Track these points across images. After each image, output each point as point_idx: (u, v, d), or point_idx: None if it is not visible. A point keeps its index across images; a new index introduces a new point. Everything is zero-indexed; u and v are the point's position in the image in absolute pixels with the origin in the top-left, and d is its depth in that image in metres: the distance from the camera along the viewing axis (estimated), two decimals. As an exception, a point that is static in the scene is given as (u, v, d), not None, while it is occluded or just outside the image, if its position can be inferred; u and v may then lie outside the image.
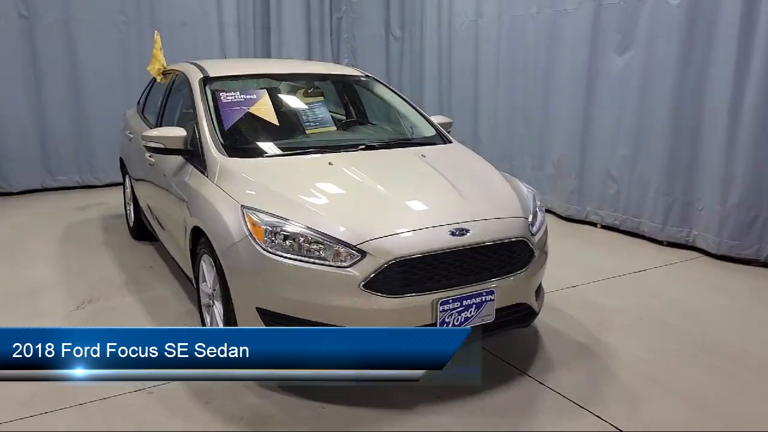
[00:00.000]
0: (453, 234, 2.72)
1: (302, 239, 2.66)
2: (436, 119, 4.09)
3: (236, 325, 2.84)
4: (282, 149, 3.42)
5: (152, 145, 3.45)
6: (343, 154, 3.39)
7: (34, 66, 6.93)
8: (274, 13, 8.31)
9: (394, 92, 4.32)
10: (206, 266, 3.16)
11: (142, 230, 5.13)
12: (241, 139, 3.48)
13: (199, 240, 3.22)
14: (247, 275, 2.75)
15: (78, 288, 4.20)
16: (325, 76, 4.38)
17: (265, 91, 3.85)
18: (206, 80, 3.84)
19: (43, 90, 7.01)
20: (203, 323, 3.31)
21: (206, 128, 3.45)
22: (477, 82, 6.95)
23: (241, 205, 2.84)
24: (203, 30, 7.84)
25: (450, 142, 3.87)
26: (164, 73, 4.70)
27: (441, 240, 2.69)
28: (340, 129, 4.04)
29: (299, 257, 2.64)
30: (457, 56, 7.22)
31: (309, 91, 4.08)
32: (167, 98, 4.34)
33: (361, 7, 8.78)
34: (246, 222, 2.77)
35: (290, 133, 3.71)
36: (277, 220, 2.71)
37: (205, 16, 7.81)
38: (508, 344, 3.27)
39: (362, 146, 3.51)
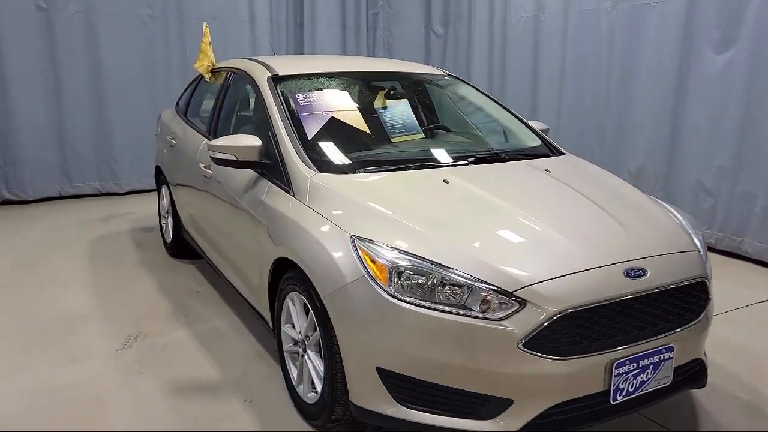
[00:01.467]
0: (629, 276, 2.14)
1: (437, 281, 2.08)
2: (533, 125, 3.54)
3: (345, 387, 2.26)
4: (380, 163, 2.83)
5: (221, 156, 2.87)
6: (453, 169, 2.81)
7: (52, 63, 6.35)
8: (308, 8, 7.75)
9: (485, 95, 3.75)
10: (295, 307, 2.58)
11: (181, 248, 4.56)
12: (328, 150, 2.90)
13: (282, 272, 2.65)
14: (364, 326, 2.17)
15: (119, 319, 3.62)
16: (407, 75, 3.79)
17: (346, 92, 3.28)
18: (276, 80, 3.26)
19: (62, 89, 6.43)
20: (287, 375, 2.73)
21: (286, 137, 2.87)
22: (536, 85, 6.38)
23: (352, 236, 2.26)
24: (234, 25, 7.27)
25: (562, 153, 3.30)
26: (213, 71, 4.12)
27: (616, 284, 2.11)
28: (427, 137, 3.46)
29: (436, 305, 2.06)
30: (512, 55, 6.64)
31: (391, 92, 3.50)
32: (222, 100, 3.76)
33: (398, 2, 8.23)
34: (361, 257, 2.19)
35: (377, 141, 3.13)
36: (405, 256, 2.13)
37: (236, 11, 7.25)
38: (660, 405, 2.70)
39: (471, 159, 2.93)
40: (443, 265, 2.09)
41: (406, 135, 3.30)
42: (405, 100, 3.48)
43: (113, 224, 5.70)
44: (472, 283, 2.06)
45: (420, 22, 8.03)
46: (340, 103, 3.16)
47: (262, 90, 3.23)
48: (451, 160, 2.93)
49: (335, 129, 3.03)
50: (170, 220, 4.68)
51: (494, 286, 2.04)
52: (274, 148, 2.88)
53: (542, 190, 2.68)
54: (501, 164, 2.95)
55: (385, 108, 3.37)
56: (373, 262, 2.16)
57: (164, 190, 4.77)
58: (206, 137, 3.75)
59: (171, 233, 4.67)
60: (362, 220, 2.35)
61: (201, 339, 3.39)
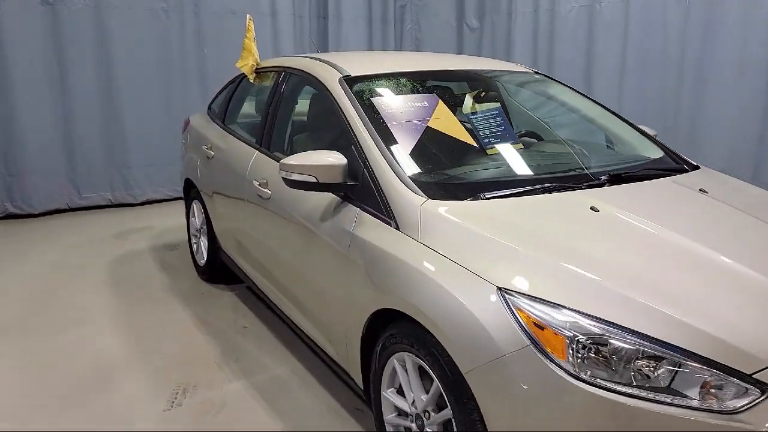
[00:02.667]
0: None
1: (634, 355, 1.55)
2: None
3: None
4: (500, 185, 2.28)
5: (297, 178, 2.32)
6: (591, 191, 2.25)
7: (58, 62, 5.75)
8: (332, 0, 7.17)
9: (583, 95, 3.20)
10: (406, 372, 2.04)
11: (217, 272, 4.01)
12: (434, 170, 2.36)
13: (382, 322, 2.11)
14: (528, 411, 1.63)
15: (159, 367, 3.06)
16: (494, 74, 3.23)
17: (436, 96, 2.72)
18: (349, 82, 2.71)
19: (69, 91, 5.84)
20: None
21: (377, 154, 2.32)
22: (590, 84, 5.82)
23: (500, 288, 1.71)
24: (254, 18, 6.65)
25: (696, 166, 2.76)
26: (258, 72, 3.55)
27: None
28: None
29: (639, 390, 1.52)
30: (560, 50, 6.09)
31: (481, 94, 2.95)
32: (275, 106, 3.19)
33: (428, -7, 7.67)
34: (519, 320, 1.64)
35: (474, 155, 2.58)
36: (591, 321, 1.59)
37: (256, 4, 6.66)
38: None
39: (603, 177, 2.37)
40: (651, 338, 1.54)
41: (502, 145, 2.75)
42: (497, 104, 2.93)
43: (132, 241, 5.13)
44: (686, 360, 1.52)
45: (451, 14, 7.47)
46: (432, 110, 2.60)
47: (334, 94, 2.67)
48: (580, 179, 2.38)
49: (433, 142, 2.48)
50: (204, 240, 4.12)
51: (723, 365, 1.50)
52: (361, 167, 2.33)
53: (720, 220, 2.13)
54: (643, 184, 2.40)
55: (475, 113, 2.82)
56: (541, 327, 1.62)
57: (195, 206, 4.20)
58: (257, 149, 3.19)
59: (205, 255, 4.10)
60: (507, 266, 1.80)
61: (262, 392, 2.83)
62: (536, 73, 3.33)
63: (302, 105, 3.22)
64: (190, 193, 4.28)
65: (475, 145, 2.51)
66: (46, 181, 5.88)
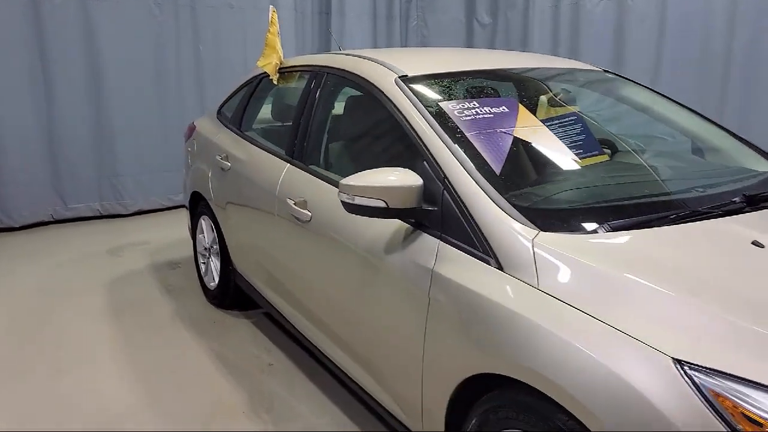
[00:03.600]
0: None
1: None
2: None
3: None
4: (625, 210, 1.86)
5: (362, 202, 1.88)
6: (735, 219, 1.83)
7: (41, 60, 5.22)
8: (336, -5, 6.73)
9: (666, 98, 2.81)
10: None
11: (231, 297, 3.56)
12: (534, 191, 1.94)
13: (478, 391, 1.69)
14: None
15: (179, 417, 2.60)
16: (559, 73, 2.82)
17: (515, 100, 2.30)
18: (407, 83, 2.28)
19: (54, 92, 5.31)
20: None
21: (461, 171, 1.89)
22: (618, 81, 5.45)
23: (682, 362, 1.29)
24: (253, 14, 6.20)
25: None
26: (282, 71, 3.10)
27: None
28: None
29: None
30: (585, 50, 5.71)
31: (557, 97, 2.54)
32: (310, 111, 2.73)
33: (435, -12, 7.25)
34: (720, 409, 1.23)
35: (579, 171, 2.16)
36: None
37: (255, -2, 6.19)
38: None
39: (737, 200, 1.95)
40: None
41: (589, 157, 2.34)
42: (575, 108, 2.51)
43: (128, 259, 4.62)
44: None
45: (459, 10, 7.06)
46: (515, 116, 2.18)
47: (391, 98, 2.23)
48: (709, 201, 1.96)
49: (524, 156, 2.06)
50: (215, 261, 3.65)
51: None
52: (439, 188, 1.90)
53: None
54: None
55: (552, 119, 2.40)
56: (758, 423, 1.20)
57: (205, 222, 3.73)
58: (289, 162, 2.74)
59: (216, 278, 3.64)
60: (678, 326, 1.38)
61: (304, 452, 2.39)
62: (605, 71, 2.92)
63: (344, 109, 2.77)
64: (198, 207, 3.81)
65: (576, 160, 2.09)
66: (28, 191, 5.35)
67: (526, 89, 2.54)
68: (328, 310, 2.44)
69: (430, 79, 2.34)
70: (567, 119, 2.41)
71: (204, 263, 3.84)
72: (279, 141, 2.98)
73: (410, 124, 2.10)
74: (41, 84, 5.26)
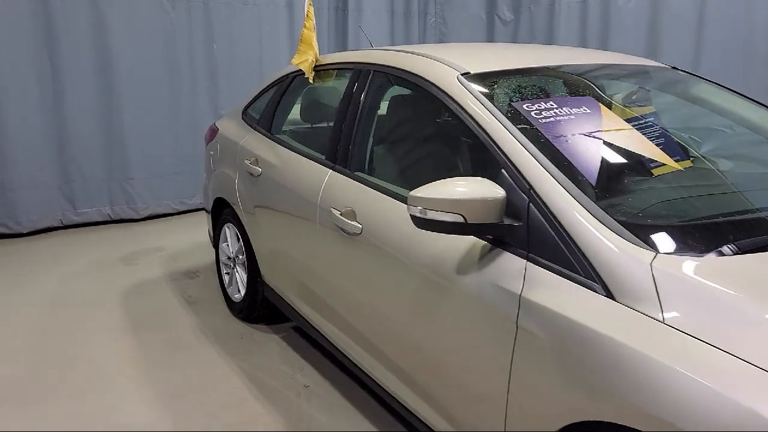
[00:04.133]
0: None
1: None
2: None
3: None
4: (746, 227, 1.64)
5: (435, 217, 1.65)
6: None
7: (50, 58, 4.99)
8: (353, -9, 6.50)
9: (744, 96, 2.58)
10: None
11: (258, 310, 3.32)
12: (638, 204, 1.71)
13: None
14: None
15: (212, 450, 2.37)
16: (628, 70, 2.58)
17: (594, 99, 2.07)
18: (472, 81, 2.05)
19: (63, 92, 5.08)
20: None
21: (552, 182, 1.65)
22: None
23: None
24: (269, 10, 5.97)
25: None
26: (318, 69, 2.87)
27: None
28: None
29: None
30: (616, 47, 5.47)
31: (633, 96, 2.31)
32: (353, 113, 2.50)
33: (454, -17, 7.02)
34: None
35: (680, 180, 1.93)
36: None
37: (271, -7, 5.95)
38: None
39: None
40: None
41: (672, 164, 2.11)
42: (651, 108, 2.28)
43: (143, 267, 4.39)
44: None
45: (480, 6, 6.83)
46: (599, 119, 1.94)
47: (456, 97, 2.00)
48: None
49: (619, 163, 1.83)
50: (241, 272, 3.42)
51: None
52: (524, 201, 1.67)
53: None
54: None
55: (630, 120, 2.17)
56: None
57: (229, 231, 3.50)
58: (330, 168, 2.51)
59: (242, 290, 3.41)
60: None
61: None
62: (673, 68, 2.69)
63: (391, 111, 2.54)
64: (221, 214, 3.57)
65: (678, 167, 1.86)
66: (36, 195, 5.12)
67: (598, 88, 2.31)
68: (380, 332, 2.21)
69: (495, 76, 2.12)
70: (646, 120, 2.19)
71: (228, 273, 3.61)
72: (316, 144, 2.74)
73: (482, 127, 1.87)
74: (49, 83, 5.02)
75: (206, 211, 3.81)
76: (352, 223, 2.22)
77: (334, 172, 2.48)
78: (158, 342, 3.25)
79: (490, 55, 2.44)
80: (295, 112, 3.19)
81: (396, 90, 2.49)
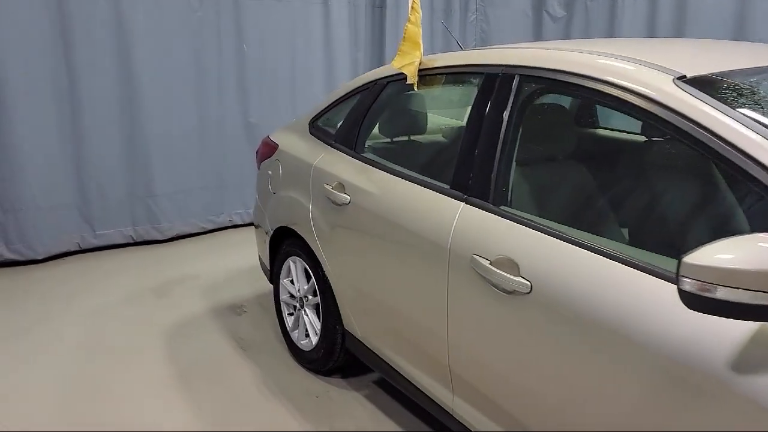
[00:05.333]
0: None
1: None
2: None
3: None
4: None
5: (736, 297, 1.11)
6: None
7: (66, 62, 4.43)
8: (391, -14, 5.95)
9: None
10: None
11: (338, 361, 2.77)
12: None
13: None
14: None
15: None
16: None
17: None
18: (696, 86, 1.51)
19: (80, 99, 4.52)
20: None
21: None
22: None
23: None
24: (303, 7, 5.42)
25: None
26: (424, 73, 2.32)
27: None
28: None
29: None
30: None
31: None
32: (500, 128, 1.94)
33: (497, -22, 6.48)
34: None
35: None
36: None
37: (306, -12, 5.40)
38: None
39: None
40: None
41: None
42: None
43: (179, 300, 3.83)
44: None
45: (526, 2, 6.30)
46: None
47: (683, 110, 1.46)
48: None
49: None
50: (311, 315, 2.88)
51: None
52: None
53: None
54: None
55: None
56: None
57: (295, 266, 2.95)
58: (462, 201, 1.96)
59: (315, 338, 2.85)
60: None
61: None
62: None
63: (563, 129, 1.99)
64: (283, 245, 3.02)
65: None
66: (50, 216, 4.55)
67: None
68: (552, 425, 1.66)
69: (721, 80, 1.57)
70: None
71: (291, 314, 3.06)
72: (429, 168, 2.20)
73: (744, 152, 1.33)
74: (66, 91, 4.46)
75: (265, 235, 3.23)
76: (516, 279, 1.68)
77: (467, 205, 1.93)
78: (215, 399, 2.70)
79: (681, 52, 1.88)
80: (386, 127, 2.64)
81: (546, 99, 1.95)
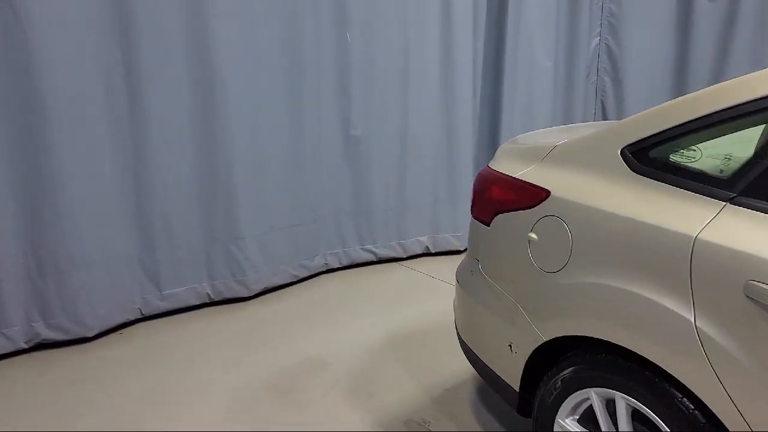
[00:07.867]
0: None
1: None
2: None
3: None
4: None
5: None
6: None
7: (124, 65, 3.17)
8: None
9: None
10: None
11: None
12: None
13: None
14: None
15: None
16: None
17: None
18: None
19: (141, 114, 3.26)
20: None
21: None
22: None
23: None
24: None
25: None
26: None
27: None
28: None
29: None
30: None
31: None
32: None
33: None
34: None
35: None
36: None
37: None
38: None
39: None
40: None
41: None
42: None
43: (317, 406, 2.57)
44: None
45: (668, -21, 5.09)
46: None
47: None
48: None
49: None
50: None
51: None
52: None
53: None
54: None
55: None
56: None
57: (598, 400, 1.68)
58: None
59: None
60: None
61: None
62: None
63: None
64: (564, 364, 1.76)
65: None
66: (104, 275, 3.28)
67: None
68: None
69: None
70: None
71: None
72: None
73: None
74: (124, 103, 3.19)
75: (508, 337, 1.98)
76: None
77: None
78: None
79: None
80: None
81: None
